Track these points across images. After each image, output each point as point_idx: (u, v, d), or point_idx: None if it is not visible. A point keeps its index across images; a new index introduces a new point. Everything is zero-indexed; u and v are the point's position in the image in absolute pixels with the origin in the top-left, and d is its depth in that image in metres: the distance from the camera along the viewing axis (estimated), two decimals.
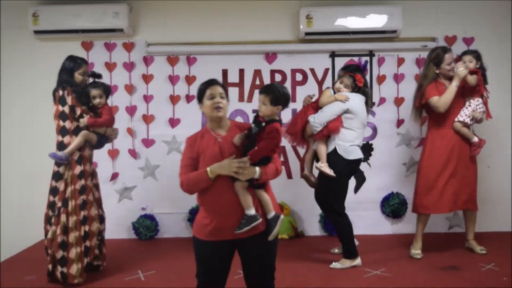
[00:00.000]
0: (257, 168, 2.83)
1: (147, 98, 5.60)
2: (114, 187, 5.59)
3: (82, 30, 5.44)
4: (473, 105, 4.57)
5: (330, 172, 4.27)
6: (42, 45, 5.56)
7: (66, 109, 4.14)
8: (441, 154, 4.60)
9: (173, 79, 5.60)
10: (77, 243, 4.07)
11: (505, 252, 4.67)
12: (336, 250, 4.81)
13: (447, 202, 4.58)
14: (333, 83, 4.59)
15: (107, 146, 5.35)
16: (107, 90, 4.45)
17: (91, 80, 4.42)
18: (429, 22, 5.59)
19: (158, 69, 5.62)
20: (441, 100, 4.49)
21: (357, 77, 4.41)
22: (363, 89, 4.48)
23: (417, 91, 4.74)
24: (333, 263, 4.44)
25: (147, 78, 5.61)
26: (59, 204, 4.13)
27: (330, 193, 4.41)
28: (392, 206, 5.51)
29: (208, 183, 2.82)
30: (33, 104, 5.50)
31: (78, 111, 4.17)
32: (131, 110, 5.60)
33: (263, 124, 2.90)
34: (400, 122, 5.60)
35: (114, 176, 5.59)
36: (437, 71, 4.64)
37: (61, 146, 4.15)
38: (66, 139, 4.14)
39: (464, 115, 4.56)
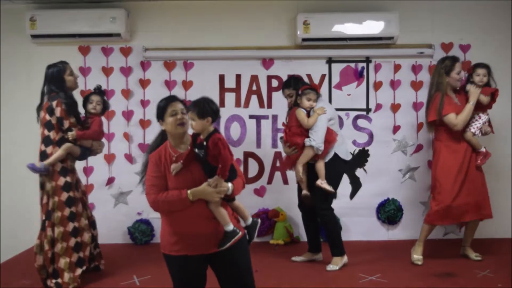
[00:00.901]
0: (230, 184, 2.86)
1: (144, 103, 5.60)
2: (110, 192, 5.58)
3: (79, 35, 5.45)
4: (484, 119, 4.68)
5: (330, 188, 4.40)
6: (39, 49, 5.55)
7: (53, 119, 4.12)
8: (457, 166, 4.61)
9: (170, 84, 5.61)
10: (66, 254, 4.06)
11: (501, 259, 4.68)
12: (297, 258, 4.80)
13: (461, 212, 4.58)
14: (295, 104, 4.59)
15: (104, 150, 5.35)
16: (106, 104, 4.49)
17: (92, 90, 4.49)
18: (426, 29, 5.60)
19: (155, 74, 5.62)
20: (460, 118, 4.55)
21: (317, 88, 4.59)
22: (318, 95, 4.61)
23: (429, 103, 4.73)
24: (329, 266, 4.48)
25: (144, 83, 5.61)
26: (43, 217, 4.13)
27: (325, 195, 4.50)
28: (388, 212, 5.51)
29: (188, 206, 2.80)
30: (30, 107, 5.44)
31: (66, 124, 4.13)
32: (128, 115, 5.60)
33: (204, 143, 2.85)
34: (396, 129, 5.61)
35: (110, 181, 5.59)
36: (446, 80, 4.64)
37: (43, 155, 4.14)
38: (49, 149, 4.13)
39: (475, 127, 4.64)
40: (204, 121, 2.85)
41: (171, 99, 3.03)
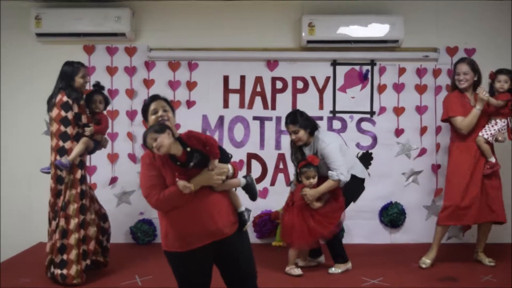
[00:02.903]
0: (229, 165, 2.90)
1: None
2: (112, 191, 5.58)
3: (84, 34, 5.46)
4: (499, 125, 4.59)
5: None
6: (44, 48, 5.56)
7: (70, 115, 4.15)
8: (466, 167, 4.59)
9: (174, 85, 5.61)
10: (77, 245, 4.12)
11: (504, 264, 4.66)
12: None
13: (470, 213, 4.56)
14: (298, 178, 4.45)
15: (107, 150, 5.37)
16: (107, 100, 4.56)
17: (92, 88, 4.50)
18: (431, 33, 5.60)
19: (159, 74, 5.63)
20: (465, 123, 4.55)
21: (314, 161, 4.30)
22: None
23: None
24: (331, 268, 4.49)
25: (148, 83, 5.61)
26: (58, 207, 4.18)
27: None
28: (391, 216, 5.50)
29: (191, 197, 2.76)
30: (33, 106, 5.49)
31: (84, 119, 4.26)
32: (132, 114, 5.59)
33: (188, 149, 2.78)
34: (400, 132, 5.59)
35: (113, 180, 5.59)
36: (454, 80, 4.72)
37: (61, 151, 4.15)
38: (68, 144, 4.15)
39: (489, 132, 4.58)
40: (165, 134, 2.73)
41: (154, 97, 3.05)
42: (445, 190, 4.76)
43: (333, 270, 4.47)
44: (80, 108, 4.23)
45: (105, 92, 4.56)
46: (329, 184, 4.28)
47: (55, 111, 4.18)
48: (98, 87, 4.48)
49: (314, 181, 4.26)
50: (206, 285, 3.01)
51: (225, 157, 2.92)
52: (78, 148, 4.18)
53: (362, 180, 4.59)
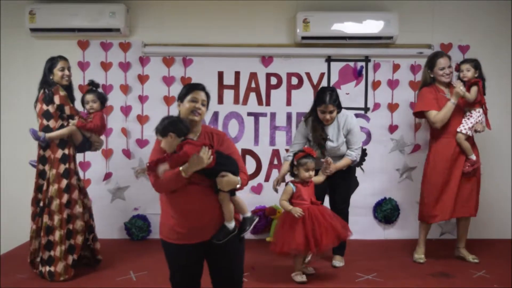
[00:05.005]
0: (239, 178, 2.91)
1: (142, 99, 5.59)
2: (107, 187, 5.58)
3: (79, 29, 5.42)
4: (475, 116, 4.56)
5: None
6: (38, 43, 5.53)
7: (51, 108, 4.17)
8: (444, 163, 4.60)
9: (168, 80, 5.60)
10: (62, 241, 4.11)
11: (497, 260, 4.69)
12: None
13: (450, 208, 4.59)
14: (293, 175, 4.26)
15: None
16: (102, 98, 4.49)
17: (87, 87, 4.52)
18: (425, 29, 5.61)
19: (153, 70, 5.61)
20: (438, 117, 4.54)
21: (311, 152, 4.13)
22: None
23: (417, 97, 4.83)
24: (337, 262, 4.54)
25: (142, 79, 5.60)
26: (41, 204, 4.18)
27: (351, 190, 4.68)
28: (385, 212, 5.52)
29: (183, 182, 2.80)
30: (29, 101, 5.42)
31: (67, 110, 4.21)
32: (126, 110, 5.59)
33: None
34: (394, 128, 5.61)
35: (107, 176, 5.58)
36: (432, 75, 4.69)
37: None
38: None
39: (467, 127, 4.54)
40: (168, 138, 2.89)
41: (198, 86, 3.07)
42: (424, 189, 4.77)
43: (338, 263, 4.53)
44: (61, 99, 4.17)
45: (100, 89, 4.55)
46: (346, 162, 4.41)
47: (38, 106, 4.22)
48: (92, 84, 4.46)
49: (312, 174, 4.08)
50: (197, 278, 3.05)
51: (234, 169, 2.93)
52: (61, 131, 4.17)
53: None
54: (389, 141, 5.63)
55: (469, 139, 4.62)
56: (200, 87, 3.07)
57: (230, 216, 2.92)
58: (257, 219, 3.11)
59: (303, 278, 4.13)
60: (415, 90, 5.56)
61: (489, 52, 5.51)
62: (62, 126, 4.20)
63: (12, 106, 5.58)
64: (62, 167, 4.19)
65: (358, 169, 5.30)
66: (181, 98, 3.05)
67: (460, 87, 4.45)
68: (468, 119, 4.58)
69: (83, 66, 5.55)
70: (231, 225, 2.92)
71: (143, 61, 5.61)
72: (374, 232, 5.61)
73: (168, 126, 2.90)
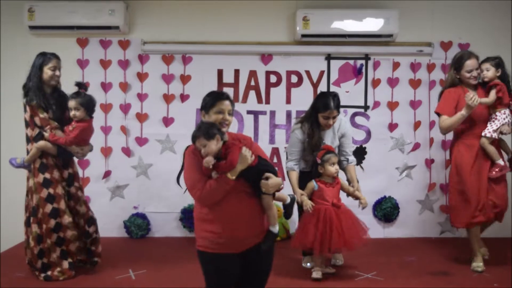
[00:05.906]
0: (279, 179, 2.86)
1: (141, 96, 5.58)
2: (106, 185, 5.57)
3: (78, 27, 5.42)
4: (500, 118, 4.24)
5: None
6: (37, 40, 5.50)
7: (27, 116, 4.07)
8: (469, 166, 4.29)
9: (167, 78, 5.59)
10: (53, 249, 4.06)
11: (497, 258, 4.67)
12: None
13: (484, 210, 4.27)
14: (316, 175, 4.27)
15: (101, 143, 5.35)
16: (87, 104, 4.07)
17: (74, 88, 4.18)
18: (425, 27, 5.60)
19: (153, 68, 5.60)
20: (445, 124, 4.31)
21: (331, 149, 4.21)
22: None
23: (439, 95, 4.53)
24: (336, 260, 4.55)
25: (142, 76, 5.59)
26: (27, 214, 4.14)
27: None
28: (384, 210, 5.51)
29: (230, 187, 2.72)
30: None
31: (38, 121, 4.04)
32: (125, 108, 5.57)
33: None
34: (393, 126, 5.60)
35: (107, 174, 5.56)
36: (458, 76, 4.38)
37: (28, 153, 4.13)
38: (29, 147, 4.11)
39: (491, 130, 4.23)
40: (214, 140, 2.75)
41: (222, 96, 2.94)
42: (452, 194, 4.48)
43: (337, 261, 4.54)
44: (32, 109, 4.00)
45: (87, 92, 4.17)
46: (354, 169, 4.50)
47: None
48: (78, 86, 4.12)
49: (337, 168, 4.15)
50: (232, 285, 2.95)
51: (272, 169, 2.89)
52: (31, 152, 4.04)
53: None
54: (388, 140, 5.62)
55: (494, 144, 4.33)
56: (224, 96, 2.94)
57: (275, 220, 2.86)
58: (296, 198, 3.21)
59: (318, 275, 4.13)
60: (415, 88, 5.56)
61: (489, 50, 5.44)
62: (39, 134, 4.05)
63: (11, 104, 5.55)
64: (41, 177, 4.06)
65: (357, 168, 5.31)
66: (205, 109, 2.92)
67: (470, 101, 4.07)
68: (493, 121, 4.27)
69: (82, 63, 5.53)
70: (276, 229, 2.86)
71: (143, 58, 5.60)
72: (374, 231, 5.57)
73: (212, 129, 2.75)
